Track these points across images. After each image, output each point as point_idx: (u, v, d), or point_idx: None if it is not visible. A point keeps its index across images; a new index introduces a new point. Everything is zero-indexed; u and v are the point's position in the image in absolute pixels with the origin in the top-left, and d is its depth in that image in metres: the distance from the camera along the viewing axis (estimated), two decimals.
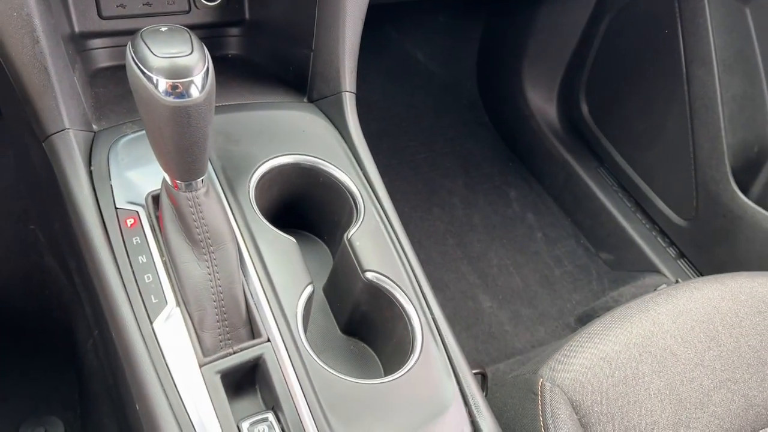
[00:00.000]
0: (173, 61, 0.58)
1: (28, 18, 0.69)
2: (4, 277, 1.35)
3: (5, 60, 0.72)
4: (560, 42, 1.77)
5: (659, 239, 1.64)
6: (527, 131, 1.90)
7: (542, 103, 1.86)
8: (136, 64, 0.59)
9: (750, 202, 1.39)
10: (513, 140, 1.98)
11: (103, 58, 0.93)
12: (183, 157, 0.64)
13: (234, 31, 1.01)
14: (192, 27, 0.95)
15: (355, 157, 0.86)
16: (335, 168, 0.83)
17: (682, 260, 1.59)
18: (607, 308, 1.52)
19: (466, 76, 2.07)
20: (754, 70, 1.38)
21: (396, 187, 1.76)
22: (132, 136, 0.79)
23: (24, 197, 1.32)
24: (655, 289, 1.50)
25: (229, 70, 0.96)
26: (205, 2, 0.96)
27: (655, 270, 1.60)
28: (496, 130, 2.03)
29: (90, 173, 0.74)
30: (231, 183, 0.77)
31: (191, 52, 0.59)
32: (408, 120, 1.99)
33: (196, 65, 0.59)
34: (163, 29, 0.62)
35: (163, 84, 0.58)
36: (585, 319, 1.57)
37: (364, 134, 0.93)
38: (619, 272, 1.69)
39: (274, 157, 0.82)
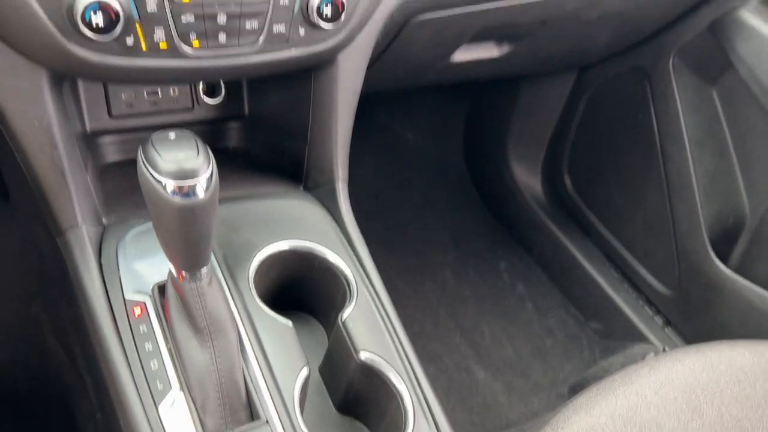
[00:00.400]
0: (180, 165, 0.64)
1: (48, 127, 0.75)
2: (5, 358, 1.37)
3: (25, 164, 0.78)
4: (542, 120, 1.86)
5: (646, 308, 1.68)
6: (514, 204, 1.97)
7: (527, 177, 1.94)
8: (147, 168, 0.65)
9: (729, 272, 1.44)
10: (501, 213, 2.05)
11: (111, 154, 1.00)
12: (188, 250, 0.69)
13: (234, 124, 1.09)
14: (195, 123, 1.03)
15: (348, 242, 0.92)
16: (330, 252, 0.89)
17: (669, 328, 1.63)
18: (598, 378, 1.54)
19: (453, 152, 2.15)
20: (724, 147, 1.46)
21: (389, 262, 1.81)
22: (139, 228, 0.84)
23: (28, 278, 1.37)
24: (643, 358, 1.53)
25: (231, 162, 1.03)
26: (207, 100, 1.04)
27: (644, 339, 1.63)
28: (485, 203, 2.10)
29: (100, 265, 0.80)
30: (232, 270, 0.83)
31: (197, 156, 0.65)
32: (399, 196, 2.07)
33: (201, 167, 0.64)
34: (172, 136, 0.68)
35: (171, 185, 0.63)
36: (577, 388, 1.60)
37: (357, 212, 0.99)
38: (608, 341, 1.72)
39: (272, 244, 0.87)
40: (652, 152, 1.56)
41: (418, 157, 2.16)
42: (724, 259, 1.47)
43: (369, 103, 1.02)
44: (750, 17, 1.29)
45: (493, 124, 1.97)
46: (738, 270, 1.44)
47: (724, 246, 1.48)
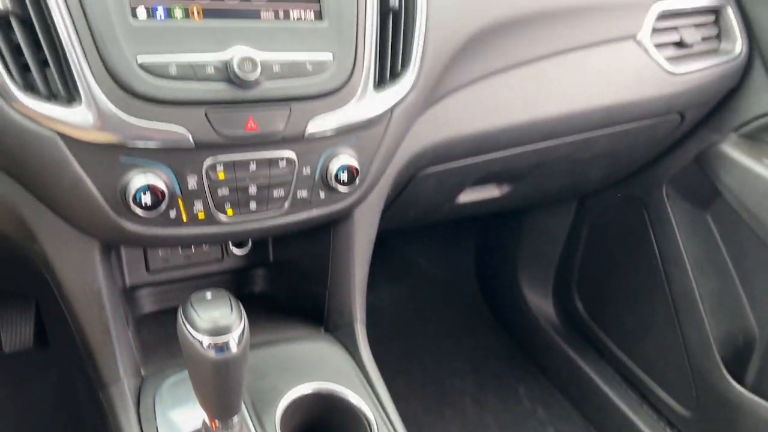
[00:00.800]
0: (216, 323, 0.72)
1: (97, 291, 0.84)
2: None
3: (74, 322, 0.86)
4: (548, 245, 1.94)
5: (668, 430, 1.67)
6: (528, 328, 2.01)
7: (539, 301, 2.00)
8: (185, 326, 0.73)
9: (745, 391, 1.45)
10: (516, 336, 2.09)
11: (147, 305, 1.08)
12: (221, 400, 0.75)
13: (260, 271, 1.18)
14: (224, 272, 1.12)
15: (368, 382, 0.97)
16: (351, 393, 0.94)
17: None
18: None
19: (466, 277, 2.23)
20: (725, 268, 1.52)
21: (408, 390, 1.83)
22: (175, 378, 0.91)
23: (62, 419, 1.41)
24: None
25: (257, 308, 1.10)
26: (236, 251, 1.14)
27: None
28: (500, 326, 2.14)
29: (138, 415, 0.85)
30: (259, 416, 0.88)
31: (230, 314, 0.74)
32: (415, 321, 2.12)
33: (234, 323, 0.72)
34: (208, 296, 0.77)
35: (207, 341, 0.71)
36: None
37: (374, 339, 1.05)
38: None
39: (296, 387, 0.93)
40: (656, 275, 1.63)
41: (432, 283, 2.23)
42: (740, 379, 1.49)
43: (381, 234, 1.11)
44: (730, 150, 1.40)
45: (502, 250, 2.06)
46: (754, 389, 1.46)
47: (737, 365, 1.51)
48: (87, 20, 0.71)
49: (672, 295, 1.60)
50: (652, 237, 1.62)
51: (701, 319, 1.53)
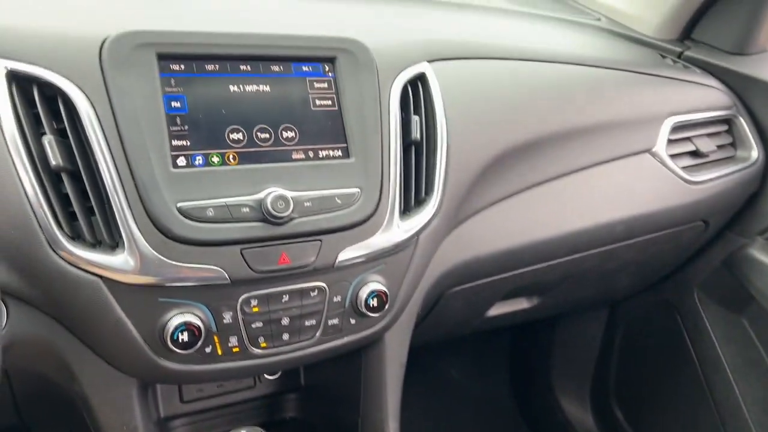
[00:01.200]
0: None
1: (134, 429, 0.85)
2: None
3: None
4: (583, 353, 1.90)
5: None
6: None
7: (577, 410, 1.93)
8: None
9: None
10: None
11: None
12: None
13: (292, 396, 1.17)
14: (257, 398, 1.12)
15: None
16: None
17: None
18: None
19: (500, 389, 2.17)
20: (767, 373, 1.47)
21: None
22: None
23: None
24: None
25: None
26: (267, 377, 1.14)
27: None
28: None
29: None
30: None
31: None
32: None
33: None
34: None
35: None
36: None
37: None
38: None
39: None
40: (696, 381, 1.58)
41: (466, 396, 2.17)
42: None
43: (412, 346, 1.10)
44: (758, 254, 1.39)
45: (536, 359, 2.02)
46: None
47: None
48: (131, 172, 0.76)
49: (715, 402, 1.54)
50: (688, 342, 1.59)
51: (748, 428, 1.46)
